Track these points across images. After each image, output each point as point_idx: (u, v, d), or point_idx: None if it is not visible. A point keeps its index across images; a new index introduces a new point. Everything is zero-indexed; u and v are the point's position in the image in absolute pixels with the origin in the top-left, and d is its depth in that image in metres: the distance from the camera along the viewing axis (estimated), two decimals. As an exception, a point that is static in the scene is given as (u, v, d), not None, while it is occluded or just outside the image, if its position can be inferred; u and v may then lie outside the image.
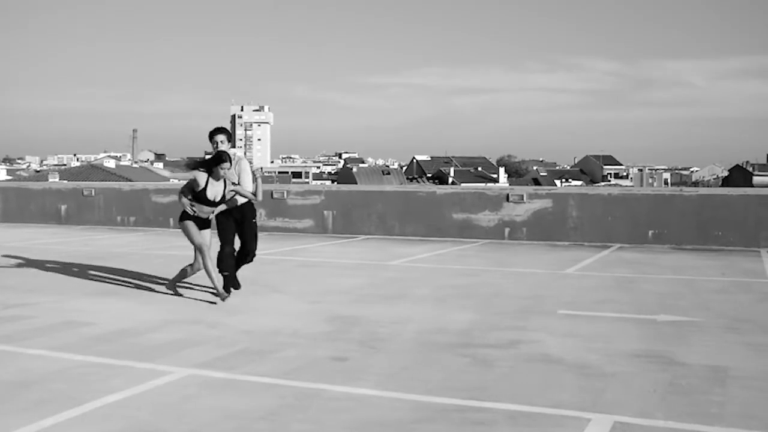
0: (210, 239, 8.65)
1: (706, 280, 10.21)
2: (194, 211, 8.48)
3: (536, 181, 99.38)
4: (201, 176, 8.36)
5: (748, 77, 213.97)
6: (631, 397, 5.06)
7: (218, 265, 8.79)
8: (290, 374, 5.56)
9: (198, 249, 8.54)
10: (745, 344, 6.58)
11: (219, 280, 8.53)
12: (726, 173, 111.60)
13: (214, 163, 8.35)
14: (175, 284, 8.98)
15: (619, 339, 6.73)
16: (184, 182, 8.57)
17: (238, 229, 9.06)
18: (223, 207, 8.80)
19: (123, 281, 10.06)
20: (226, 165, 8.36)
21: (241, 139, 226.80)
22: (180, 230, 8.76)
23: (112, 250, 13.98)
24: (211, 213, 8.63)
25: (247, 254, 9.15)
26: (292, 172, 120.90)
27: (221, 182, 8.45)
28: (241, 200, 8.97)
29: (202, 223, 8.61)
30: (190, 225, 8.53)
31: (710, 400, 5.00)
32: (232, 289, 8.90)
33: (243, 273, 9.44)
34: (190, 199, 8.50)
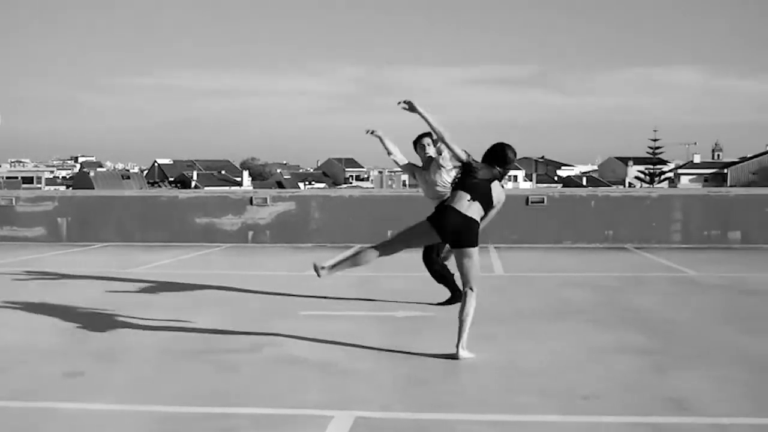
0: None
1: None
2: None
3: (280, 184, 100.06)
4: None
5: (483, 86, 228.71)
6: (372, 392, 5.23)
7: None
8: (20, 394, 5.22)
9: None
10: (477, 335, 6.99)
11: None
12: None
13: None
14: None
15: (360, 336, 6.94)
16: None
17: None
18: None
19: None
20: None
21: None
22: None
23: None
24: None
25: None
26: (22, 178, 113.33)
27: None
28: None
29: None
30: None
31: (446, 389, 5.28)
32: None
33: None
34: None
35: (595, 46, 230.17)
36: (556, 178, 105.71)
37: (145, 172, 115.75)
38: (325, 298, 9.04)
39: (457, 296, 8.16)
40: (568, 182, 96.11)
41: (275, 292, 9.54)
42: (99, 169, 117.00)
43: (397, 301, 8.79)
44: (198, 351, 6.42)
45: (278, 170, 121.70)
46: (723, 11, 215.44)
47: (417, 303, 8.65)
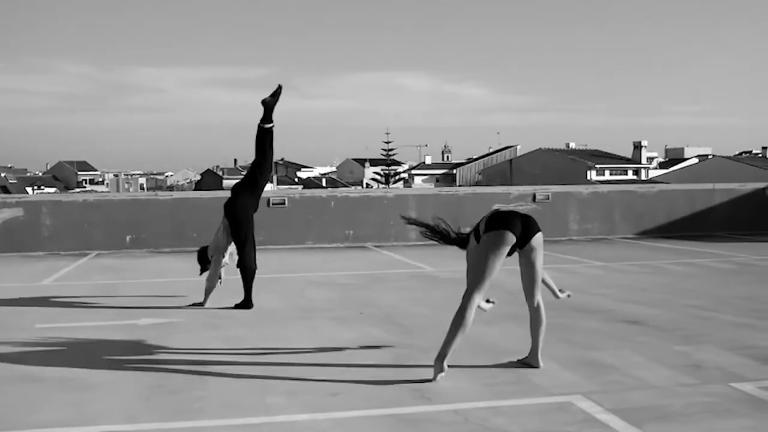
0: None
1: (185, 281, 10.55)
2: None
3: (5, 189, 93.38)
4: None
5: (218, 86, 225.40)
6: (116, 404, 5.04)
7: None
8: None
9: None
10: (223, 338, 6.96)
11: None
12: (199, 177, 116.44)
13: None
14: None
15: (102, 347, 6.66)
16: None
17: None
18: None
19: None
20: None
21: None
22: None
23: None
24: None
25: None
26: None
27: None
28: None
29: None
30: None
31: (193, 396, 5.20)
32: None
33: None
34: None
35: (329, 50, 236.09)
36: (296, 180, 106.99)
37: None
38: (62, 308, 8.57)
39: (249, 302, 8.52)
40: (308, 183, 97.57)
41: (5, 305, 8.91)
42: None
43: (138, 309, 8.52)
44: None
45: (3, 174, 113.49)
46: (450, 19, 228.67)
47: (161, 308, 8.43)
